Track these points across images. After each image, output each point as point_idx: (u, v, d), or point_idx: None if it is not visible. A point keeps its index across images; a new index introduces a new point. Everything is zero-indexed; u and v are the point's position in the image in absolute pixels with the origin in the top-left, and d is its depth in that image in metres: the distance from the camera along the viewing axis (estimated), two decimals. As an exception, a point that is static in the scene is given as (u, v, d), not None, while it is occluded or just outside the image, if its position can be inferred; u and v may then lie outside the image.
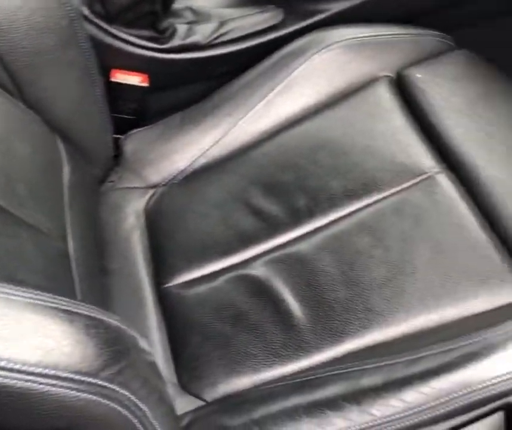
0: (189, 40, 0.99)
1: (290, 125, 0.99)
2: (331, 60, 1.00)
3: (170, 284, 0.86)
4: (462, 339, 0.66)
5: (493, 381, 0.62)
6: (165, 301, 0.84)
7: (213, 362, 0.76)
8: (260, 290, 0.81)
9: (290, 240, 0.86)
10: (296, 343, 0.75)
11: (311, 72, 1.00)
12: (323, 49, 1.00)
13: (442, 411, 0.63)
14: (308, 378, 0.70)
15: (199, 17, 1.02)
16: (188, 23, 1.01)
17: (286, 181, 0.92)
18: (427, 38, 1.06)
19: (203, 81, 1.07)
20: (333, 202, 0.88)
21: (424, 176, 0.87)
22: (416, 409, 0.63)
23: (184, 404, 0.74)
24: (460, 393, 0.62)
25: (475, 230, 0.80)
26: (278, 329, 0.77)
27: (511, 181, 0.83)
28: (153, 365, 0.55)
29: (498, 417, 0.66)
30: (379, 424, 0.63)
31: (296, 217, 0.88)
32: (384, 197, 0.86)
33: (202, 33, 1.00)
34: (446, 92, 0.96)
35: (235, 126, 1.00)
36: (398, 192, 0.86)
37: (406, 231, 0.81)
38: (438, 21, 1.12)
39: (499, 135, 0.89)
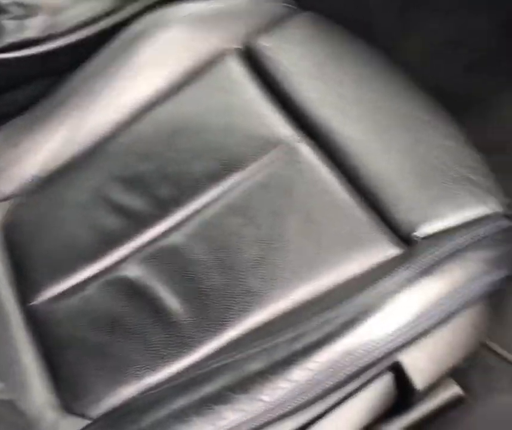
0: (20, 37, 0.92)
1: (144, 111, 0.95)
2: (175, 38, 0.97)
3: (36, 302, 0.80)
4: (339, 307, 0.66)
5: (373, 344, 0.63)
6: (34, 320, 0.79)
7: (93, 376, 0.73)
8: (135, 291, 0.78)
9: (160, 233, 0.83)
10: (178, 340, 0.73)
11: (157, 53, 0.97)
12: (165, 28, 0.97)
13: (330, 383, 0.63)
14: (194, 374, 0.68)
15: (27, 10, 0.95)
16: (16, 18, 0.93)
17: (147, 172, 0.89)
18: (270, 4, 1.05)
19: (45, 78, 1.00)
20: (198, 187, 0.85)
21: (285, 146, 0.86)
22: (304, 387, 0.63)
23: (69, 426, 0.71)
24: (344, 362, 0.63)
25: (340, 194, 0.80)
26: (158, 329, 0.74)
27: (365, 139, 0.84)
28: (7, 403, 0.50)
29: (388, 378, 0.67)
30: (271, 409, 0.63)
31: (162, 208, 0.85)
32: (249, 174, 0.85)
33: (34, 26, 0.93)
34: (295, 57, 0.96)
35: (85, 120, 0.95)
36: (262, 167, 0.85)
37: (275, 205, 0.81)
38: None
39: (350, 95, 0.90)
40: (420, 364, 0.67)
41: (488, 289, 0.68)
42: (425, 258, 0.68)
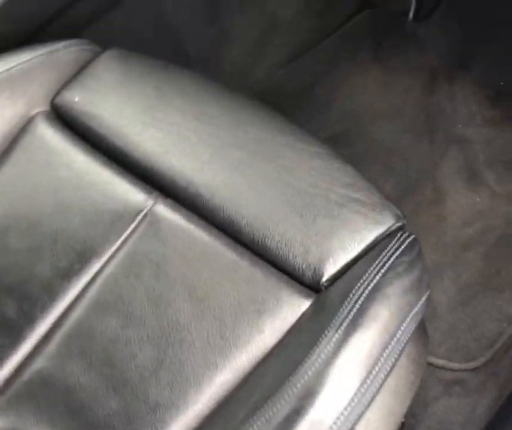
0: None
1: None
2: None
3: None
4: (273, 400, 0.56)
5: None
6: None
7: None
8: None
9: (19, 365, 0.67)
10: None
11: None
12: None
13: None
14: None
15: None
16: None
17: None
18: (67, 51, 0.90)
19: None
20: (50, 293, 0.70)
21: (141, 215, 0.74)
22: None
23: None
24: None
25: (223, 255, 0.70)
26: None
27: (228, 182, 0.75)
28: None
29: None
30: None
31: (14, 332, 0.69)
32: (108, 260, 0.72)
33: None
34: (115, 106, 0.83)
35: None
36: (121, 247, 0.72)
37: (152, 290, 0.68)
38: (68, 27, 0.98)
39: (194, 136, 0.79)
40: (374, 425, 0.59)
41: (419, 317, 0.63)
42: (345, 308, 0.60)
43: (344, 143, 1.24)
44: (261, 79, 1.36)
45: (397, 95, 1.35)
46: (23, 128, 0.83)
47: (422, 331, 0.68)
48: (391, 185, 1.17)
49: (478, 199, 1.14)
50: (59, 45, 0.90)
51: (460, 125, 1.29)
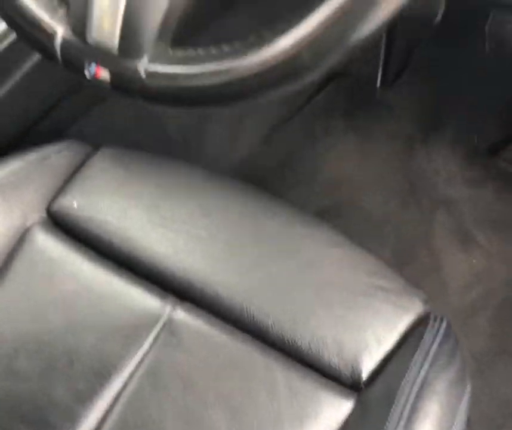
0: None
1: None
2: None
3: None
4: None
5: None
6: None
7: None
8: None
9: None
10: None
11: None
12: None
13: None
14: None
15: None
16: None
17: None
18: (59, 155, 0.87)
19: None
20: (72, 418, 0.66)
21: (160, 324, 0.70)
22: None
23: None
24: None
25: (253, 360, 0.67)
26: None
27: (248, 281, 0.72)
28: None
29: None
30: None
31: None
32: (130, 376, 0.68)
33: None
34: (118, 208, 0.80)
35: None
36: (142, 361, 0.68)
37: (182, 405, 0.65)
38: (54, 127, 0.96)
39: (205, 234, 0.76)
40: None
41: (468, 409, 0.61)
42: (396, 410, 0.58)
43: (334, 215, 1.23)
44: (241, 157, 1.35)
45: (377, 163, 1.35)
46: (20, 240, 0.79)
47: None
48: (388, 255, 1.16)
49: (474, 261, 1.14)
50: (50, 149, 0.87)
51: (443, 187, 1.30)
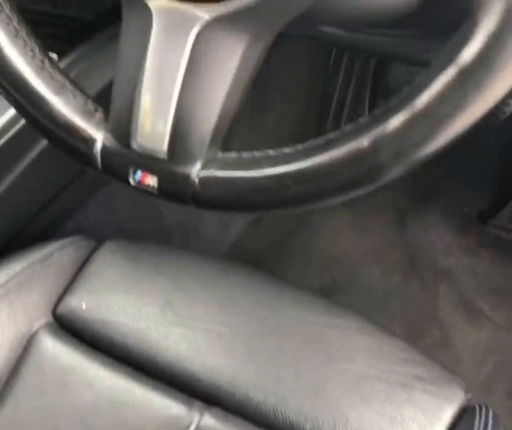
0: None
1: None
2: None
3: None
4: None
5: None
6: None
7: None
8: None
9: None
10: None
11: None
12: None
13: None
14: None
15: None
16: None
17: None
18: (62, 252, 0.83)
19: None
20: None
21: (188, 432, 0.66)
22: None
23: None
24: None
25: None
26: None
27: (275, 379, 0.68)
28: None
29: None
30: None
31: None
32: None
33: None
34: (130, 308, 0.76)
35: None
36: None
37: None
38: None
39: (226, 331, 0.73)
40: None
41: None
42: None
43: (337, 292, 1.20)
44: (236, 240, 1.32)
45: (373, 238, 1.34)
46: (26, 347, 0.74)
47: None
48: (397, 331, 1.13)
49: (482, 334, 1.12)
50: (52, 246, 0.83)
51: (441, 258, 1.29)
